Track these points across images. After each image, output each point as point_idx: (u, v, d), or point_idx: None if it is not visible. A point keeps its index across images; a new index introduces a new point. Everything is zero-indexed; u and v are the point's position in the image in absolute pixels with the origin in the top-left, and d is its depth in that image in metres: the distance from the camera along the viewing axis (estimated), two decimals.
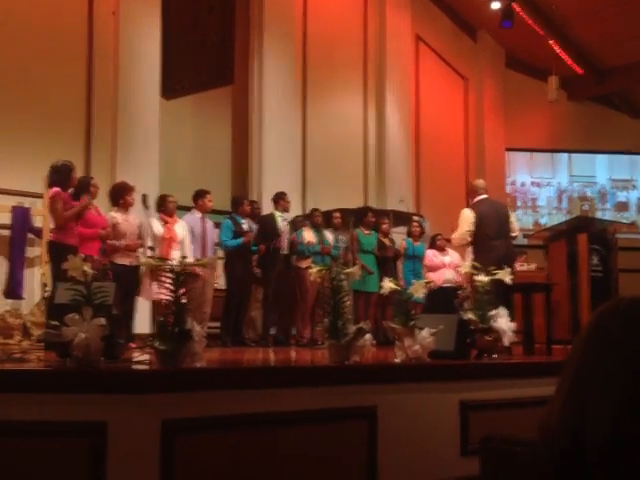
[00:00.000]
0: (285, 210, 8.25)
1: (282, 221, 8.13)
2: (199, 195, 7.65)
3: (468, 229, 6.02)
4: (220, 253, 8.12)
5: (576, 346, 1.14)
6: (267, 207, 8.59)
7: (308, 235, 8.22)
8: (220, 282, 7.96)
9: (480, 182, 6.54)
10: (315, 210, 8.55)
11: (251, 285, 7.93)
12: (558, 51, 13.44)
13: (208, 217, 7.73)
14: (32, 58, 8.60)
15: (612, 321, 1.09)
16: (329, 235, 8.40)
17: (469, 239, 6.10)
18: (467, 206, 6.47)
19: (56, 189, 5.95)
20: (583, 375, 1.07)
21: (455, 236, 6.20)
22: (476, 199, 6.28)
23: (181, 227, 7.19)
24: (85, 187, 6.37)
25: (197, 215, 7.58)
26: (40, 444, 2.81)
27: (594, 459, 1.01)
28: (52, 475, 2.81)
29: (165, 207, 7.15)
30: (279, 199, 8.29)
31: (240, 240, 7.68)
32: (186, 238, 7.18)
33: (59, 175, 6.02)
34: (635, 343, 1.05)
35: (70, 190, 6.14)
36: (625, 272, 8.17)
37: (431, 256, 9.01)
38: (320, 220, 8.39)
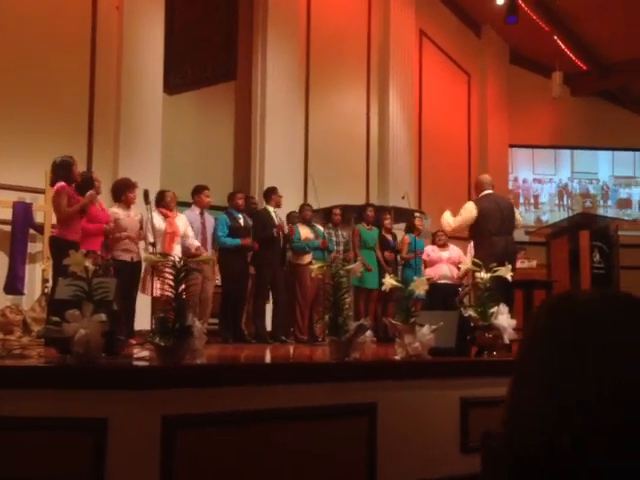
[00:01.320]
0: (277, 205, 8.20)
1: (276, 216, 8.10)
2: (196, 191, 7.66)
3: (468, 223, 6.05)
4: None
5: (522, 342, 1.09)
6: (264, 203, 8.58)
7: (304, 231, 8.20)
8: (218, 278, 7.96)
9: (486, 177, 6.55)
10: (305, 205, 8.54)
11: (248, 281, 7.91)
12: (562, 47, 13.41)
13: (208, 213, 7.73)
14: (35, 53, 8.60)
15: (542, 320, 1.02)
16: (321, 229, 8.39)
17: (466, 232, 6.15)
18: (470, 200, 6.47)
19: (61, 184, 5.97)
20: (515, 379, 1.02)
21: (453, 225, 6.18)
22: (481, 194, 6.29)
23: (182, 221, 7.20)
24: (89, 182, 6.38)
25: (196, 211, 7.59)
26: (40, 440, 2.82)
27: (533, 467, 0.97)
28: (53, 471, 2.82)
29: (164, 202, 7.17)
30: (271, 194, 8.26)
31: (238, 241, 7.66)
32: (188, 230, 7.19)
33: (60, 170, 6.05)
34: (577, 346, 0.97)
35: (74, 185, 6.17)
36: (627, 269, 8.15)
37: (429, 251, 9.03)
38: (310, 215, 8.37)
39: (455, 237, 9.28)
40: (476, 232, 6.08)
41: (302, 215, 8.37)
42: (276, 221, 8.02)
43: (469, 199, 6.40)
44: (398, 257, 9.03)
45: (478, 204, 6.14)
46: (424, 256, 8.99)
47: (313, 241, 8.13)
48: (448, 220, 6.24)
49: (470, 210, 6.09)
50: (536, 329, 1.04)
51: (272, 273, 7.88)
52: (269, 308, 8.14)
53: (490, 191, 6.27)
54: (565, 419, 0.94)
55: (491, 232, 5.98)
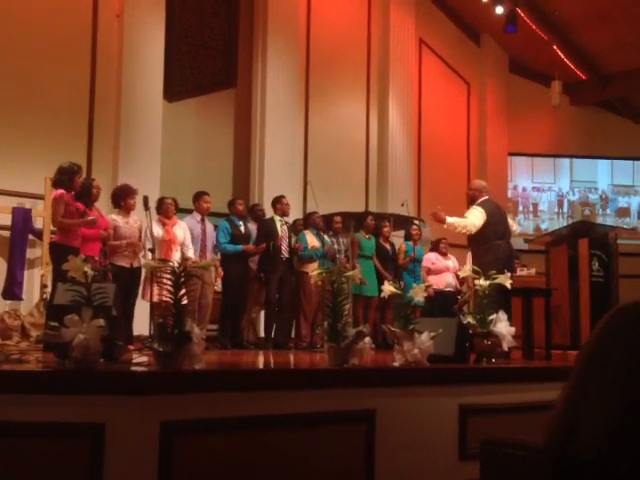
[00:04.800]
0: (284, 214, 8.19)
1: (281, 225, 8.09)
2: (196, 197, 7.68)
3: (479, 224, 5.92)
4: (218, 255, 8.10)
5: (582, 349, 1.06)
6: (269, 210, 8.57)
7: (311, 239, 8.18)
8: (218, 284, 7.96)
9: (484, 183, 6.49)
10: (314, 213, 8.52)
11: (248, 287, 7.91)
12: (561, 56, 13.46)
13: (208, 219, 7.73)
14: (36, 60, 8.63)
15: (622, 327, 1.00)
16: (326, 238, 8.38)
17: (473, 232, 5.98)
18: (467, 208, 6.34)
19: (60, 191, 5.98)
20: (584, 383, 0.99)
21: (477, 225, 5.98)
22: (481, 199, 6.18)
23: (181, 229, 7.19)
24: (88, 189, 6.38)
25: (197, 217, 7.60)
26: (38, 445, 2.81)
27: (586, 474, 0.95)
28: (50, 476, 2.81)
29: (163, 209, 7.16)
30: (275, 203, 8.28)
31: (240, 247, 7.66)
32: (187, 239, 7.19)
33: (63, 176, 6.05)
34: None
35: (73, 193, 6.17)
36: (626, 278, 8.16)
37: (434, 259, 8.97)
38: (320, 222, 8.36)
39: (453, 244, 9.27)
40: (479, 237, 5.94)
41: (312, 223, 8.34)
42: (280, 232, 7.99)
43: (468, 206, 6.29)
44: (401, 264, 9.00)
45: (484, 208, 6.05)
46: (428, 264, 8.93)
47: (319, 249, 8.12)
48: (473, 222, 6.03)
49: (482, 214, 5.98)
50: (612, 338, 0.99)
51: (279, 280, 7.88)
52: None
53: (487, 197, 6.23)
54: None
55: (496, 236, 5.93)
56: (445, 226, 6.14)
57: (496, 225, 5.99)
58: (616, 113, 14.90)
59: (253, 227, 8.11)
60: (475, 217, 6.00)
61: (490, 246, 5.91)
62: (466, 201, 6.37)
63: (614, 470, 0.93)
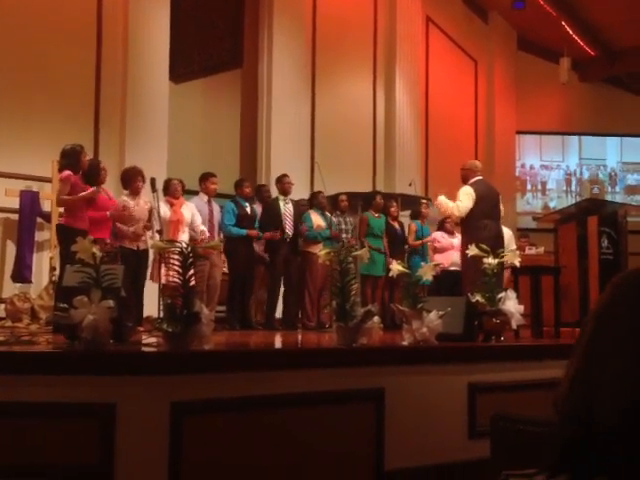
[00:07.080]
0: (285, 192, 8.18)
1: (284, 205, 8.08)
2: (203, 178, 7.68)
3: (470, 205, 6.14)
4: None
5: (588, 320, 1.06)
6: (275, 191, 8.56)
7: (316, 219, 8.15)
8: (225, 266, 7.96)
9: (478, 163, 6.79)
10: (318, 192, 8.51)
11: (254, 268, 7.91)
12: (570, 32, 13.32)
13: (215, 201, 7.73)
14: (41, 42, 8.58)
15: (628, 293, 0.98)
16: (333, 218, 8.36)
17: (463, 213, 6.20)
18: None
19: (67, 172, 5.98)
20: (593, 352, 0.99)
21: (462, 211, 6.20)
22: (474, 179, 6.43)
23: (188, 209, 7.20)
24: (95, 170, 6.38)
25: (204, 199, 7.59)
26: (49, 425, 2.84)
27: (603, 443, 0.94)
28: (61, 456, 2.83)
29: (170, 189, 7.19)
30: (277, 182, 8.29)
31: (244, 231, 7.65)
32: (195, 218, 7.19)
33: (68, 159, 6.05)
34: None
35: (80, 173, 6.17)
36: (635, 255, 8.11)
37: (439, 237, 8.96)
38: (325, 202, 8.34)
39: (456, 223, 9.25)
40: (468, 216, 6.21)
41: (317, 203, 8.32)
42: (284, 212, 7.98)
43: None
44: (406, 246, 8.99)
45: (474, 188, 6.27)
46: (434, 242, 8.92)
47: (325, 230, 8.09)
48: (458, 206, 6.26)
49: (471, 194, 6.23)
50: (618, 303, 0.99)
51: (284, 261, 7.89)
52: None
53: (481, 177, 6.47)
54: None
55: (485, 216, 6.14)
56: (436, 203, 6.49)
57: (485, 205, 6.20)
58: (625, 89, 14.76)
59: (259, 208, 8.09)
60: (464, 199, 6.22)
61: (478, 225, 6.11)
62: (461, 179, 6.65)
63: (635, 440, 0.92)
